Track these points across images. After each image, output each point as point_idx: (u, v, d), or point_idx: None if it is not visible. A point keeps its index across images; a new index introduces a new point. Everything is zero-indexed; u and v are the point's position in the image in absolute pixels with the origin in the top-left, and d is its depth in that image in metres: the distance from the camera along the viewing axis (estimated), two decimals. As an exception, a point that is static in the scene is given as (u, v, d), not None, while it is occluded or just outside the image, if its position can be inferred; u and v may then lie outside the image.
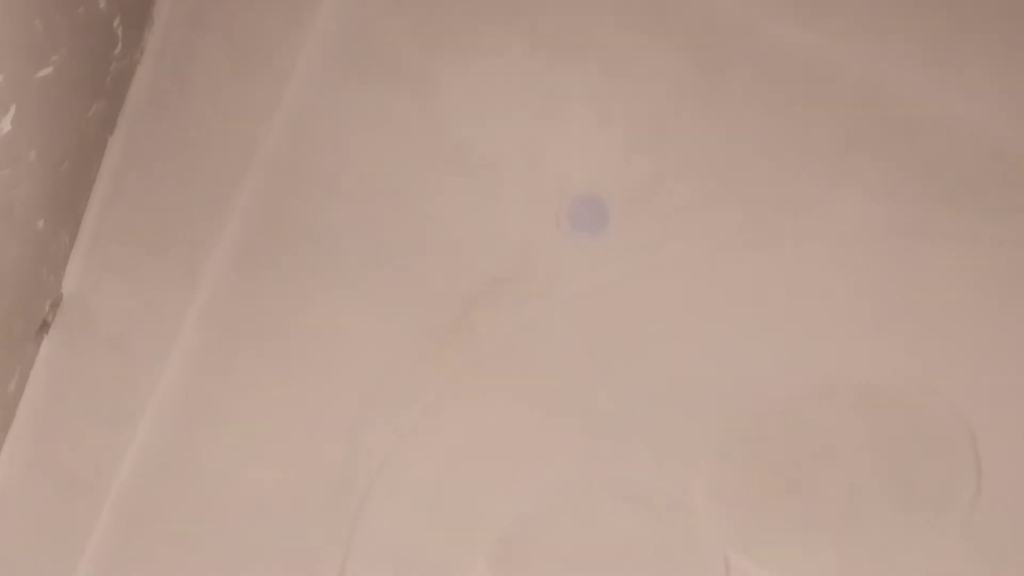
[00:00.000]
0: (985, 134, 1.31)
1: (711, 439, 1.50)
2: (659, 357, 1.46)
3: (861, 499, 1.50)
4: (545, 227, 1.44)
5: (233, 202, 1.46)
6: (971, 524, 1.50)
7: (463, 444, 1.54)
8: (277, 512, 1.64)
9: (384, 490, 1.59)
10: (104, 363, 1.58)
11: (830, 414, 1.43)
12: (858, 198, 1.27)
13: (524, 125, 1.39)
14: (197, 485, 1.65)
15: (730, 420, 1.48)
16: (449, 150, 1.47)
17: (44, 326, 1.59)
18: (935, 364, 1.38)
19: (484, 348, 1.45)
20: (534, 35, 1.42)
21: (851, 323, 1.36)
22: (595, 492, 1.59)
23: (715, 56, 1.37)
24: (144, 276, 1.53)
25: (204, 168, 1.50)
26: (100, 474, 1.64)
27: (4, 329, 1.45)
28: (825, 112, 1.30)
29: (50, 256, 1.54)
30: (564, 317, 1.44)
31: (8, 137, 1.21)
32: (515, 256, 1.42)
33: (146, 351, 1.58)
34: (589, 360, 1.47)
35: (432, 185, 1.48)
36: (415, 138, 1.49)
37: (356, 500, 1.60)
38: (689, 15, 1.37)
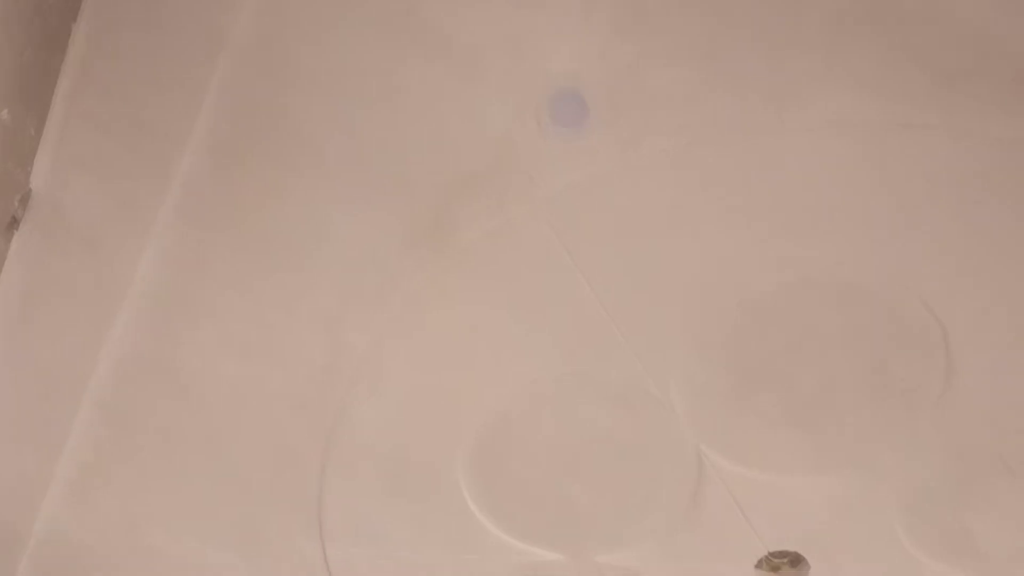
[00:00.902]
0: (977, 28, 1.29)
1: (690, 334, 1.51)
2: (640, 254, 1.46)
3: (835, 392, 1.53)
4: (526, 122, 1.42)
5: (205, 92, 1.41)
6: (941, 418, 1.54)
7: (444, 340, 1.54)
8: (258, 407, 1.65)
9: (365, 385, 1.60)
10: (78, 259, 1.56)
11: (808, 307, 1.45)
12: (845, 90, 1.26)
13: (506, 12, 1.35)
14: (177, 381, 1.65)
15: (709, 316, 1.49)
16: (429, 40, 1.43)
17: (13, 222, 1.55)
18: (912, 259, 1.40)
19: (465, 245, 1.44)
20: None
21: (832, 216, 1.36)
22: (574, 388, 1.60)
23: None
24: (116, 169, 1.49)
25: (174, 57, 1.45)
26: (77, 371, 1.63)
27: (-28, 225, 1.42)
28: (815, 1, 1.27)
29: (16, 149, 1.50)
30: (545, 214, 1.42)
31: (-37, 26, 1.16)
32: (496, 153, 1.40)
33: (120, 246, 1.55)
34: (570, 258, 1.46)
35: (412, 77, 1.44)
36: (394, 28, 1.44)
37: (337, 395, 1.61)
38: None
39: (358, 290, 1.49)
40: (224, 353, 1.61)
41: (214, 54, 1.41)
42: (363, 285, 1.48)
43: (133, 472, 1.78)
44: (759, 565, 1.81)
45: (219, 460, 1.75)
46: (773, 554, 1.79)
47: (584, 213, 1.41)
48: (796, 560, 1.80)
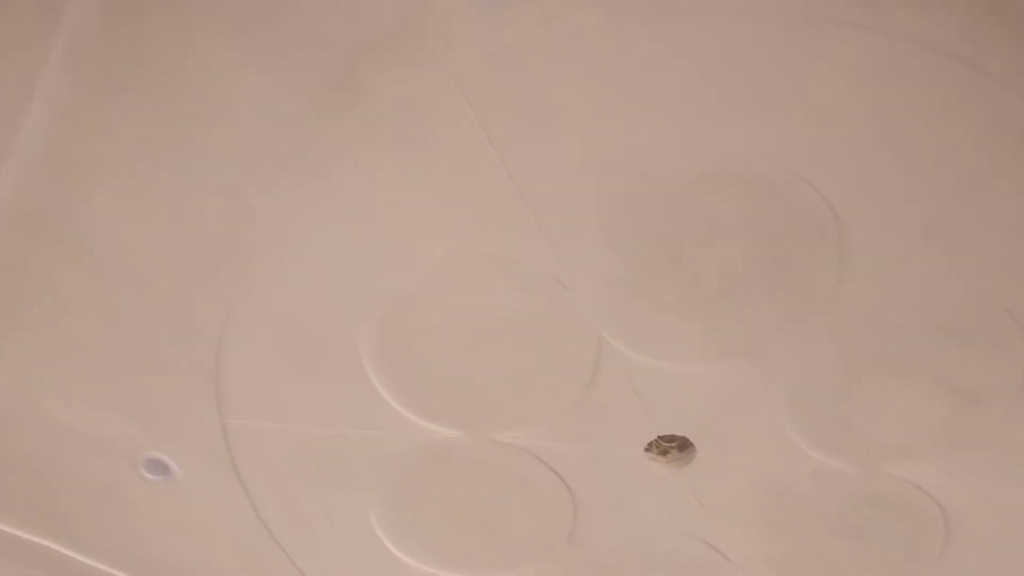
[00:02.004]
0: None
1: (601, 220, 1.51)
2: (554, 134, 1.43)
3: (732, 283, 1.56)
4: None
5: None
6: (832, 313, 1.60)
7: (351, 210, 1.50)
8: (156, 272, 1.59)
9: (267, 253, 1.56)
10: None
11: (714, 197, 1.46)
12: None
13: None
14: (71, 243, 1.57)
15: (620, 202, 1.49)
16: None
17: None
18: (818, 154, 1.41)
19: (374, 111, 1.39)
20: None
21: (744, 105, 1.36)
22: (481, 268, 1.60)
23: None
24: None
25: None
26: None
27: None
28: None
29: None
30: (459, 84, 1.38)
31: None
32: (412, 15, 1.33)
33: (4, 98, 1.45)
34: (484, 132, 1.43)
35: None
36: None
37: (238, 262, 1.57)
38: None
39: (262, 154, 1.43)
40: (121, 216, 1.54)
41: None
42: (268, 149, 1.42)
43: (26, 339, 1.72)
44: (649, 448, 1.88)
45: (116, 327, 1.71)
46: (663, 438, 1.86)
47: (500, 86, 1.37)
48: (684, 445, 1.88)
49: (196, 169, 1.46)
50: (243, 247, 1.55)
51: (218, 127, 1.41)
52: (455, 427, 1.83)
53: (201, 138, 1.43)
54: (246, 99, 1.37)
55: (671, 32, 1.29)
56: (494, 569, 2.09)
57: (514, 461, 1.88)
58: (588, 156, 1.45)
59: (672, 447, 1.89)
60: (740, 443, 1.83)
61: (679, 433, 1.85)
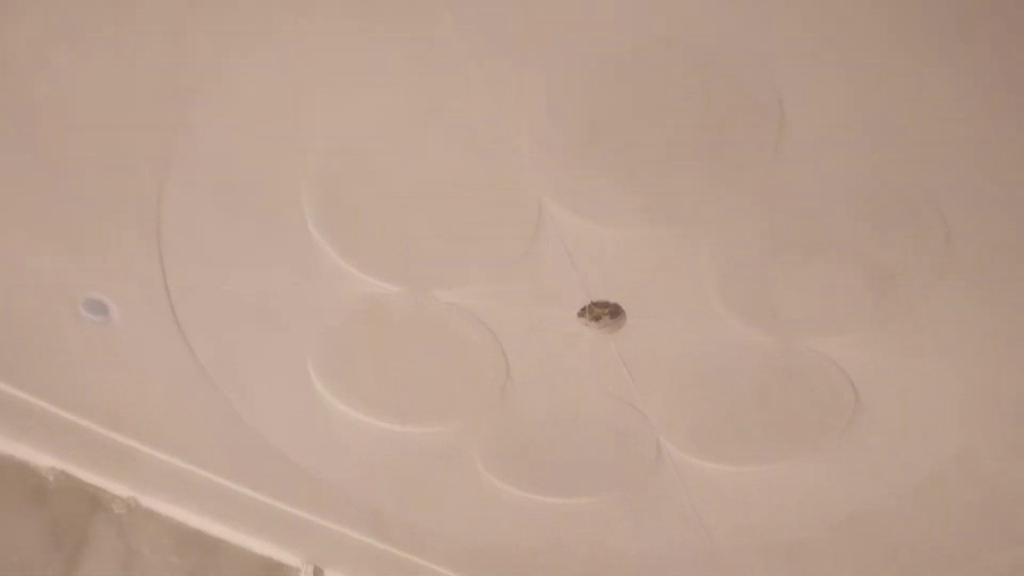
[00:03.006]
0: None
1: (549, 82, 1.51)
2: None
3: (672, 152, 1.59)
4: None
5: None
6: (765, 189, 1.64)
7: (291, 53, 1.48)
8: (92, 107, 1.56)
9: (206, 94, 1.54)
10: None
11: (662, 67, 1.47)
12: None
13: None
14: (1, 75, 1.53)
15: (570, 65, 1.49)
16: None
17: None
18: (766, 31, 1.42)
19: (320, -49, 1.35)
20: None
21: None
22: (424, 123, 1.60)
23: None
24: None
25: None
26: None
27: None
28: None
29: None
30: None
31: None
32: None
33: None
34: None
35: None
36: None
37: (177, 102, 1.55)
38: None
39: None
40: (55, 48, 1.50)
41: None
42: (208, -15, 1.39)
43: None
44: (582, 314, 1.94)
45: (50, 165, 1.68)
46: (596, 304, 1.92)
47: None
48: (616, 312, 1.94)
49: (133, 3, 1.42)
50: (182, 87, 1.52)
51: (158, -43, 1.37)
52: (394, 282, 1.86)
53: (140, -33, 1.38)
54: (187, -72, 1.33)
55: None
56: (427, 421, 2.17)
57: (450, 319, 1.93)
58: (538, 15, 1.44)
59: (604, 313, 1.95)
60: (668, 312, 1.90)
61: (611, 300, 1.91)
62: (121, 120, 1.60)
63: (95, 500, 2.32)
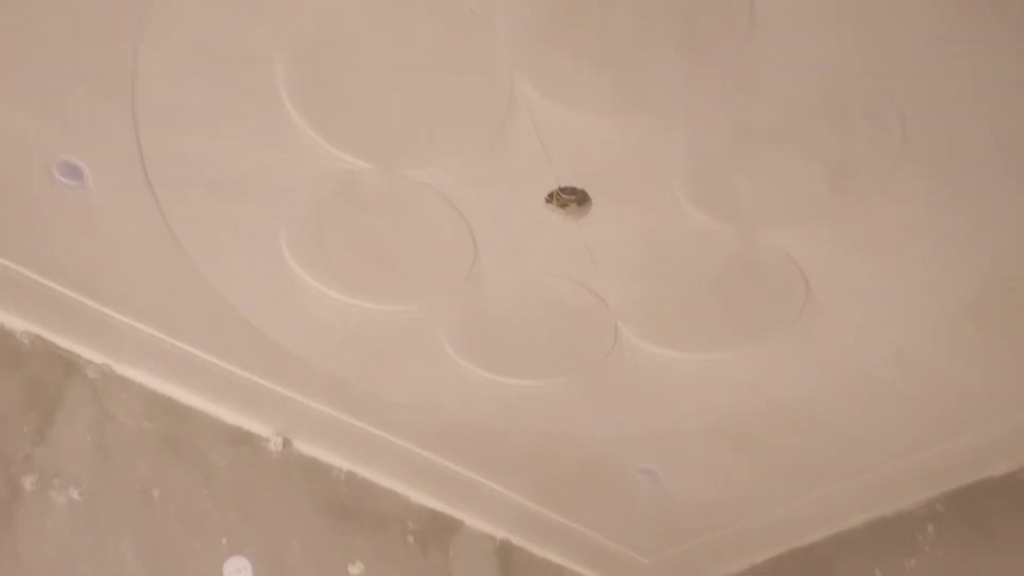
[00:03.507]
0: None
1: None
2: None
3: (644, 36, 1.62)
4: None
5: None
6: (733, 74, 1.68)
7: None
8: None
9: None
10: None
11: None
12: None
13: None
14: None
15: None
16: None
17: None
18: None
19: None
20: None
21: None
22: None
23: None
24: None
25: None
26: None
27: None
28: None
29: None
30: None
31: None
32: None
33: None
34: None
35: None
36: None
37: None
38: None
39: None
40: None
41: None
42: None
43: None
44: (549, 199, 1.99)
45: (25, 27, 1.68)
46: (563, 190, 1.97)
47: None
48: (583, 199, 2.00)
49: None
50: (158, -54, 1.52)
51: None
52: (366, 159, 1.90)
53: None
54: None
55: None
56: (395, 299, 2.24)
57: (421, 198, 1.97)
58: None
59: (571, 200, 2.01)
60: (633, 200, 1.96)
61: (578, 186, 1.96)
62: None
63: (69, 364, 2.38)
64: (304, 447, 2.75)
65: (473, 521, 3.05)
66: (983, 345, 2.22)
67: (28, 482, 2.17)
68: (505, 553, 3.10)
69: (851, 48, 1.64)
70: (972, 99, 1.68)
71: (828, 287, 2.10)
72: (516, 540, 3.13)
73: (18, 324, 2.32)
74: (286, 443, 2.71)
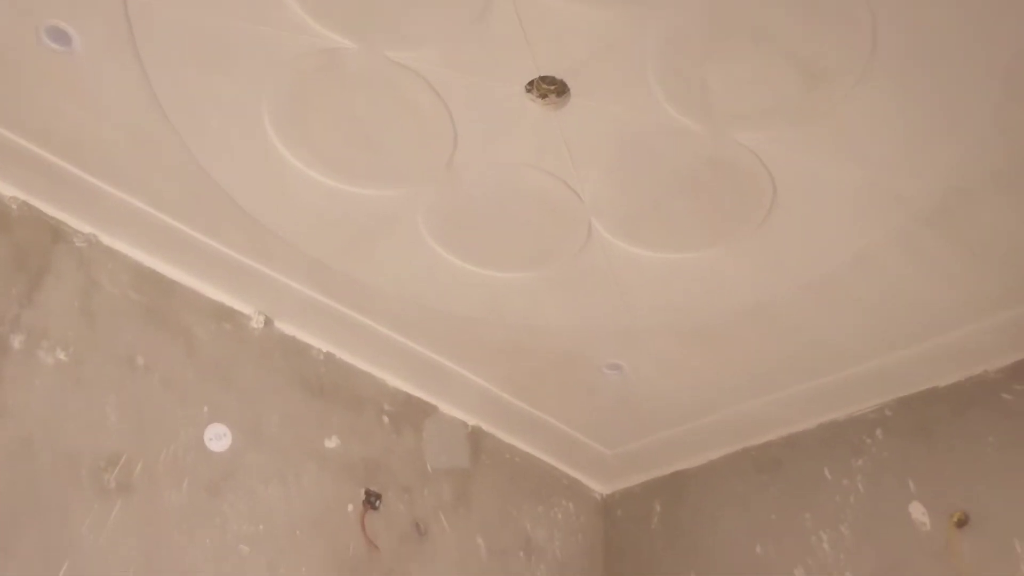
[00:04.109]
0: None
1: None
2: None
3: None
4: None
5: None
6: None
7: None
8: None
9: None
10: None
11: None
12: None
13: None
14: None
15: None
16: None
17: None
18: None
19: None
20: None
21: None
22: None
23: None
24: None
25: None
26: None
27: None
28: None
29: None
30: None
31: None
32: None
33: None
34: None
35: None
36: None
37: None
38: None
39: None
40: None
41: None
42: None
43: None
44: (529, 88, 2.04)
45: None
46: (543, 79, 2.01)
47: None
48: (561, 90, 2.04)
49: None
50: None
51: None
52: (350, 37, 1.93)
53: None
54: None
55: None
56: (376, 184, 2.30)
57: (403, 80, 2.01)
58: None
59: (551, 91, 2.05)
60: (610, 93, 2.01)
61: (558, 76, 2.00)
62: None
63: (57, 232, 2.45)
64: (285, 327, 2.85)
65: (446, 407, 3.18)
66: (940, 255, 2.30)
67: (16, 341, 2.27)
68: (476, 438, 3.24)
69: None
70: (941, 10, 1.73)
71: (794, 190, 2.17)
72: (486, 427, 3.28)
73: (6, 189, 2.37)
74: (268, 321, 2.81)
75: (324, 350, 2.92)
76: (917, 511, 2.60)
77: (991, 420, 2.56)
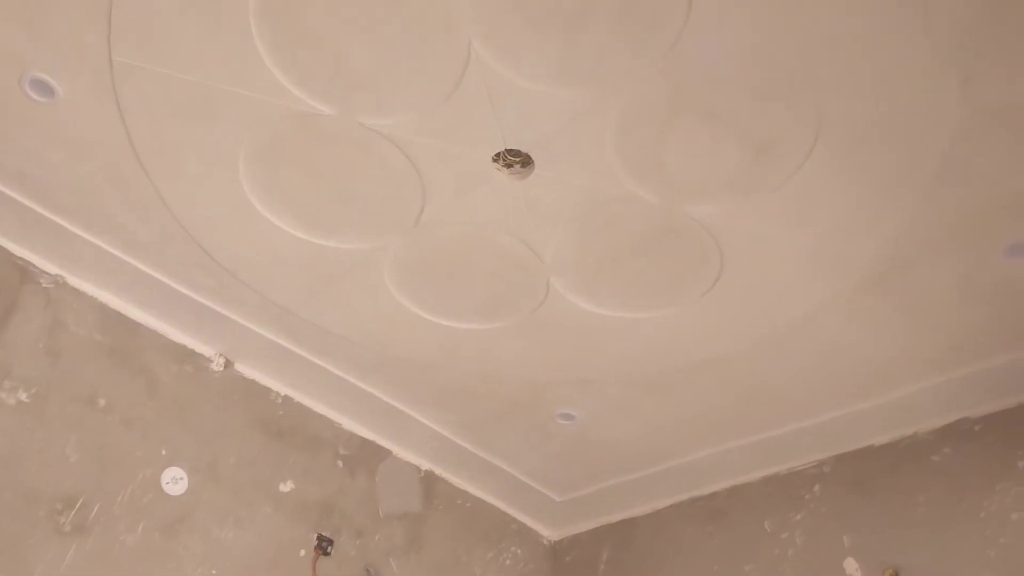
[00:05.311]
0: None
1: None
2: None
3: (590, 7, 1.76)
4: None
5: None
6: (672, 50, 1.83)
7: None
8: None
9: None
10: None
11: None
12: None
13: None
14: None
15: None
16: None
17: None
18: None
19: None
20: None
21: None
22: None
23: None
24: None
25: None
26: None
27: None
28: None
29: None
30: None
31: None
32: None
33: None
34: None
35: None
36: None
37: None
38: None
39: None
40: None
41: None
42: None
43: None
44: (496, 159, 2.14)
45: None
46: (509, 151, 2.12)
47: None
48: (526, 162, 2.15)
49: None
50: None
51: None
52: (327, 104, 2.02)
53: None
54: None
55: None
56: (344, 237, 2.38)
57: (376, 144, 2.10)
58: None
59: (516, 161, 2.16)
60: (572, 165, 2.12)
61: (523, 149, 2.11)
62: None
63: (24, 272, 2.48)
64: (245, 369, 2.90)
65: (401, 451, 3.25)
66: (880, 318, 2.43)
67: (-21, 380, 2.29)
68: (429, 483, 3.31)
69: (779, 29, 1.79)
70: (882, 87, 1.86)
71: (745, 256, 2.30)
72: (439, 471, 3.34)
73: (-25, 229, 2.41)
74: (228, 364, 2.85)
75: (283, 393, 2.97)
76: (851, 567, 2.72)
77: (922, 479, 2.70)
